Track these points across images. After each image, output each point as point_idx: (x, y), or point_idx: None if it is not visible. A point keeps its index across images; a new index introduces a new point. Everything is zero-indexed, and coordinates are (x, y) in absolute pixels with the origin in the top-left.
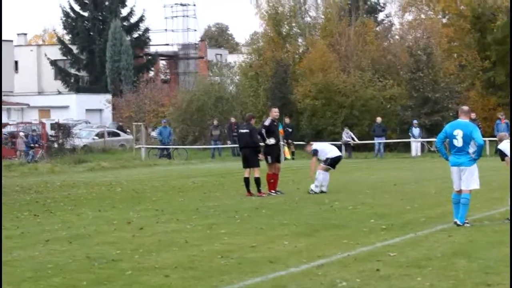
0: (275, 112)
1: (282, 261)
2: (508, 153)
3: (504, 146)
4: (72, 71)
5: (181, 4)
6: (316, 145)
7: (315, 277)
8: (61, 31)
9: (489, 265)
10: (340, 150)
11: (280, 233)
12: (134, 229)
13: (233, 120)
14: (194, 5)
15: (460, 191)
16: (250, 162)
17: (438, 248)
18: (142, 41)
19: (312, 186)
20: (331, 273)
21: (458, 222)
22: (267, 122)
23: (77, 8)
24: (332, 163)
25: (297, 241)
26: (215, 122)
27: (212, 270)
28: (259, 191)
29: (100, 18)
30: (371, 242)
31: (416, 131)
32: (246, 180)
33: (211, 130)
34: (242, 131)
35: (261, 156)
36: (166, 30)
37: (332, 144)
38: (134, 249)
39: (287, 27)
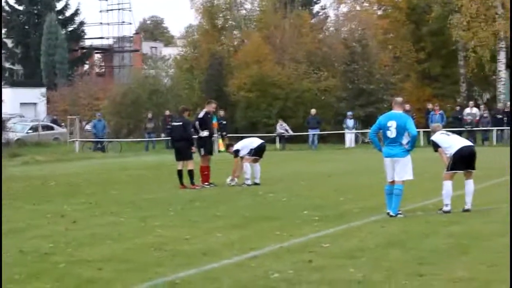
0: (213, 106)
1: (216, 253)
2: (442, 144)
3: (437, 137)
4: (7, 65)
5: None
6: (236, 145)
7: (248, 269)
8: None
9: (422, 256)
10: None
11: (214, 225)
12: (67, 222)
13: (167, 113)
14: None
15: (393, 182)
16: (183, 154)
17: (372, 239)
18: (77, 35)
19: (228, 180)
20: (264, 264)
21: (391, 213)
22: (201, 115)
23: (12, 1)
24: (257, 152)
25: (231, 233)
26: (150, 115)
27: (146, 262)
28: (192, 183)
29: (35, 12)
30: (305, 233)
31: (350, 122)
32: (180, 173)
33: (145, 122)
34: (175, 123)
35: (194, 149)
36: (101, 23)
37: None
38: (67, 242)
39: (222, 20)
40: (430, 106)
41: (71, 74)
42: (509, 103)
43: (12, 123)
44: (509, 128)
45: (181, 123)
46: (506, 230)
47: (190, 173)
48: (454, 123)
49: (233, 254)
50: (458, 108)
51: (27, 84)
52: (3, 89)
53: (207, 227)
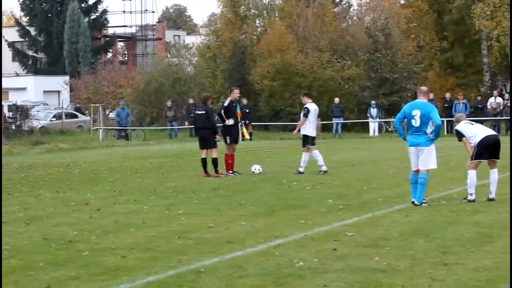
0: (236, 93)
1: (240, 242)
2: (466, 134)
3: (461, 126)
4: (30, 53)
5: None
6: (309, 105)
7: (272, 257)
8: (18, 13)
9: (446, 245)
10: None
11: (238, 214)
12: (91, 210)
13: (191, 101)
14: None
15: (417, 171)
16: (207, 143)
17: (396, 228)
18: (100, 23)
19: (252, 168)
20: (289, 253)
21: (416, 202)
22: (226, 103)
23: None
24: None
25: (255, 222)
26: (169, 103)
27: (170, 250)
28: (216, 171)
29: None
30: (329, 222)
31: (374, 111)
32: (204, 161)
33: (165, 111)
34: (198, 112)
35: (218, 137)
36: (124, 11)
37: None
38: (91, 230)
39: (244, 8)
40: (448, 95)
41: (94, 62)
42: None
43: (36, 111)
44: None
45: (204, 112)
46: None
47: (214, 161)
48: (476, 112)
49: (257, 243)
50: (479, 98)
51: (50, 72)
52: (26, 77)
53: (231, 215)
